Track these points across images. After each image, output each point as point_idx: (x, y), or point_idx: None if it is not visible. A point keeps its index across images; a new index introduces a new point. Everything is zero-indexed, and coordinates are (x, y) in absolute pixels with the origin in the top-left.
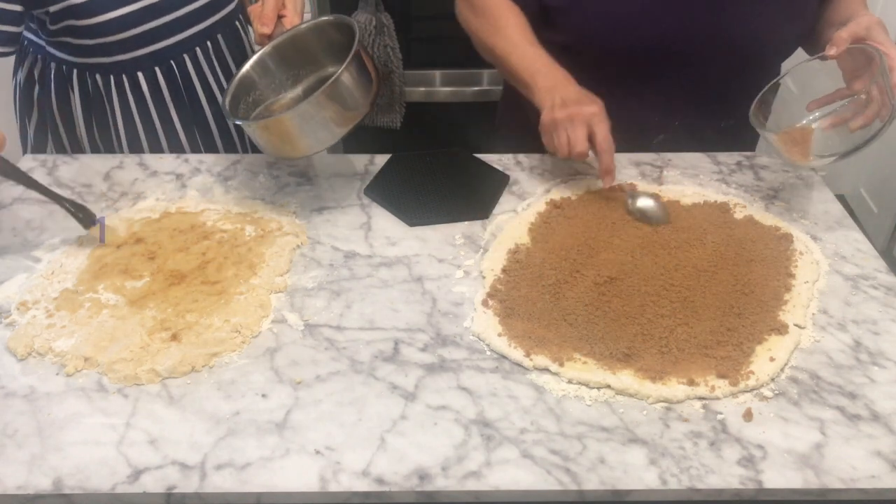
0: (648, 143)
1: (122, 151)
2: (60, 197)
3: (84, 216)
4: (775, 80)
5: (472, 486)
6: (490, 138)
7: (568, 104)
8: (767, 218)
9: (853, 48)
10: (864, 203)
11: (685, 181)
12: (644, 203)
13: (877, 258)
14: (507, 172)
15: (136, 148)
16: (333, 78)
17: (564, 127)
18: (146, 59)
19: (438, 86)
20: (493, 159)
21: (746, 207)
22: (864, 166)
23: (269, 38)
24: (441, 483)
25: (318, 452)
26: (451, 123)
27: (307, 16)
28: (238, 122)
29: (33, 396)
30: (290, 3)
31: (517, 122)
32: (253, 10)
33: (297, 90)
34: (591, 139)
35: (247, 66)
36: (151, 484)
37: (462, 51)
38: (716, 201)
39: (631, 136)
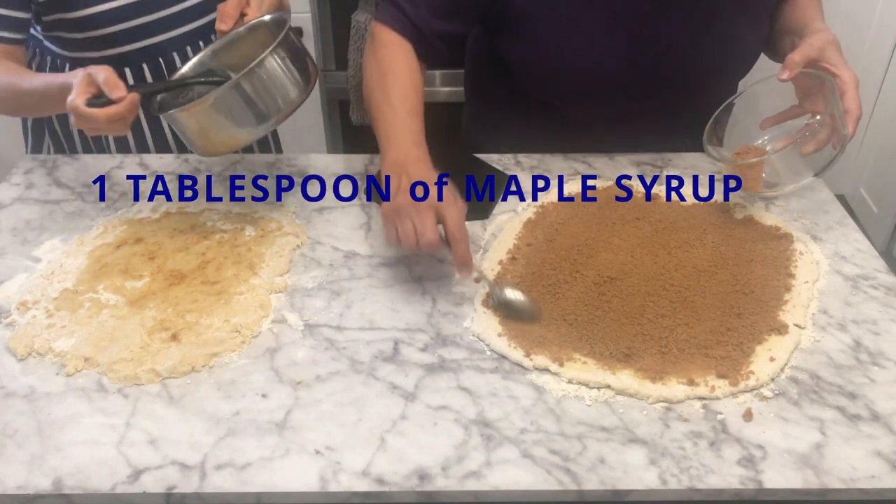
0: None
1: (109, 151)
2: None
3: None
4: (727, 102)
5: (472, 486)
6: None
7: (401, 190)
8: (767, 218)
9: (805, 71)
10: (864, 203)
11: (685, 181)
12: (511, 295)
13: (877, 258)
14: (507, 172)
15: (123, 146)
16: (254, 63)
17: (408, 214)
18: (135, 54)
19: (438, 86)
20: (493, 159)
21: (746, 207)
22: (864, 166)
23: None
24: (441, 483)
25: (318, 452)
26: (451, 123)
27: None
28: (160, 114)
29: (33, 396)
30: (254, 1)
31: (485, 118)
32: (220, 6)
33: None
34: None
35: (184, 69)
36: (151, 484)
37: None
38: (716, 201)
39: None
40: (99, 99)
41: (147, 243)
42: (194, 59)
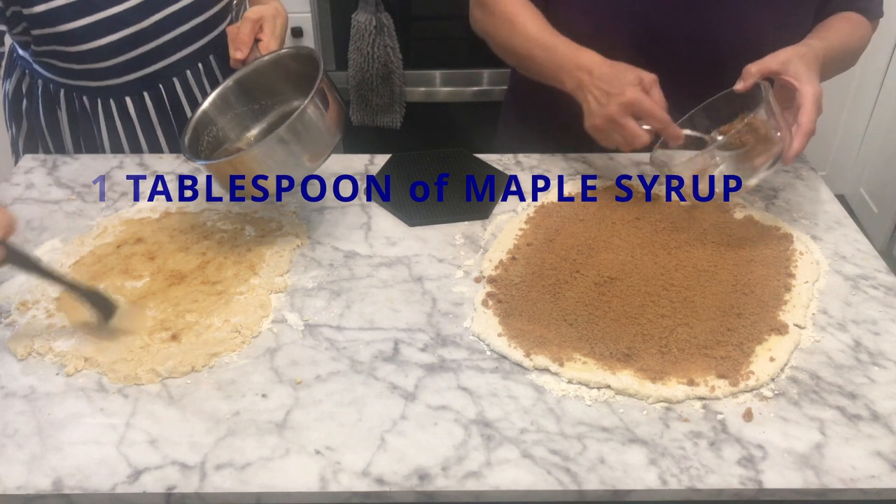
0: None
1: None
2: (78, 287)
3: (104, 307)
4: (688, 115)
5: (472, 486)
6: (490, 138)
7: (602, 101)
8: (767, 218)
9: (762, 82)
10: (864, 203)
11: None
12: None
13: (877, 258)
14: (507, 172)
15: (116, 148)
16: (297, 112)
17: (612, 129)
18: (135, 83)
19: (438, 86)
20: (493, 159)
21: (746, 207)
22: (864, 166)
23: (244, 62)
24: (441, 483)
25: (318, 452)
26: (451, 123)
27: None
28: (200, 164)
29: (33, 396)
30: (268, 26)
31: (521, 123)
32: (230, 30)
33: (262, 124)
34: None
35: (206, 104)
36: (151, 484)
37: (462, 51)
38: (716, 201)
39: None
40: None
41: (147, 243)
42: (217, 92)
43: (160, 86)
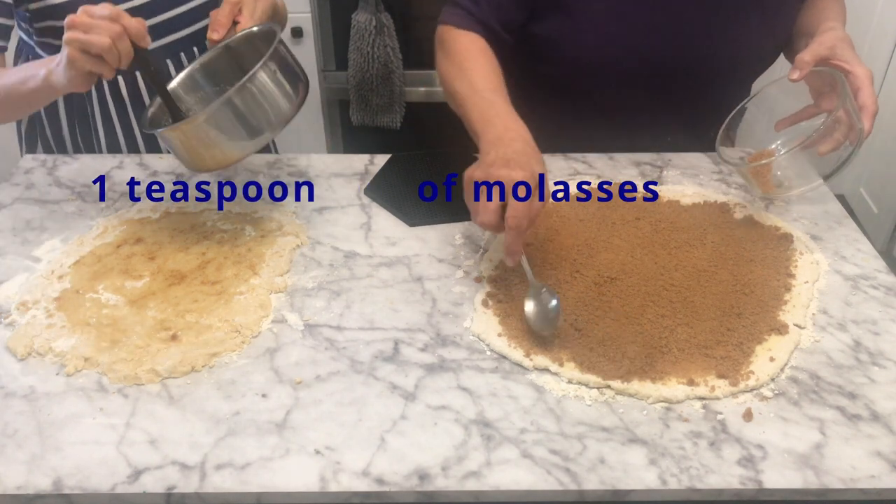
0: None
1: (101, 152)
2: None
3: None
4: (740, 106)
5: (472, 486)
6: None
7: (496, 163)
8: (767, 218)
9: (816, 69)
10: (864, 203)
11: (685, 181)
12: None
13: (877, 258)
14: None
15: (114, 146)
16: (246, 77)
17: (479, 186)
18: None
19: (438, 86)
20: None
21: (746, 207)
22: (864, 166)
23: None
24: (441, 483)
25: (318, 452)
26: (451, 123)
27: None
28: (154, 132)
29: (33, 396)
30: (247, 9)
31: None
32: (212, 13)
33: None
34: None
35: (173, 84)
36: (151, 484)
37: None
38: (716, 201)
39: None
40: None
41: (147, 243)
42: (184, 73)
43: (153, 67)
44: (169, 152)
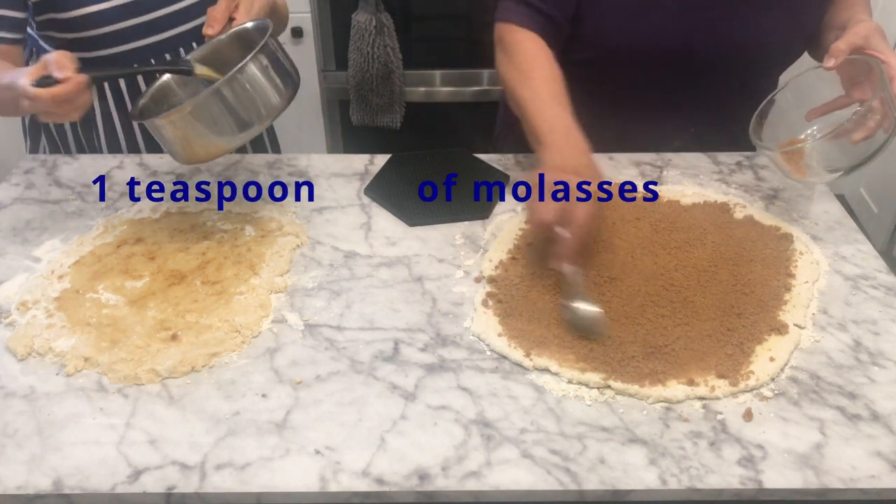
0: (666, 150)
1: (101, 151)
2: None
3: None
4: (773, 94)
5: (472, 486)
6: (490, 138)
7: (565, 168)
8: (767, 218)
9: (851, 58)
10: (864, 203)
11: (685, 181)
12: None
13: (877, 258)
14: (507, 172)
15: (114, 148)
16: (233, 70)
17: (541, 190)
18: (126, 56)
19: (438, 86)
20: (493, 159)
21: (746, 207)
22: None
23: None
24: (441, 483)
25: (318, 452)
26: (451, 123)
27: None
28: (141, 123)
29: (33, 396)
30: (243, 5)
31: (520, 124)
32: (209, 9)
33: None
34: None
35: (165, 76)
36: (151, 484)
37: (462, 51)
38: (716, 201)
39: (646, 144)
40: (47, 79)
41: (147, 243)
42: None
43: (152, 61)
44: (152, 152)
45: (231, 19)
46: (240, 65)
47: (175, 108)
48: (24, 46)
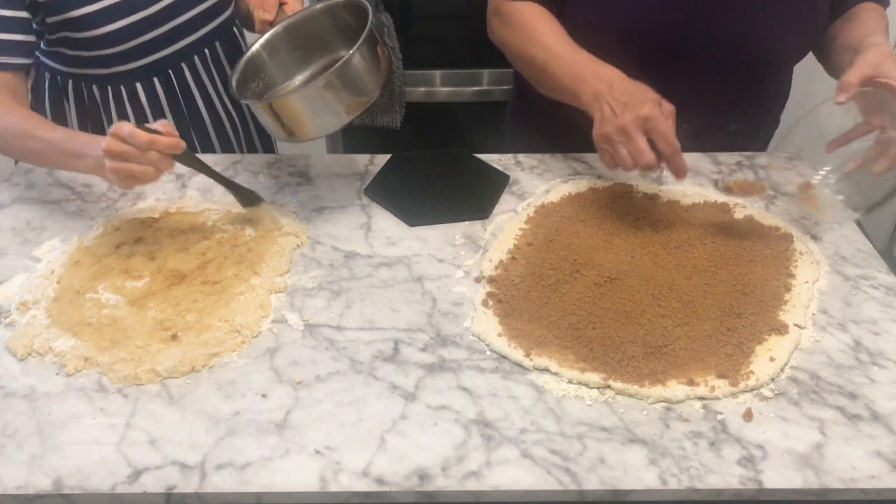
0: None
1: None
2: (229, 181)
3: (249, 198)
4: (789, 128)
5: (472, 486)
6: (490, 138)
7: (617, 111)
8: (767, 218)
9: (863, 90)
10: None
11: (685, 181)
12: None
13: (877, 258)
14: (507, 172)
15: None
16: (343, 60)
17: (620, 140)
18: (144, 69)
19: (438, 86)
20: (493, 159)
21: (746, 207)
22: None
23: (271, 25)
24: (441, 483)
25: (318, 452)
26: (451, 123)
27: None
28: (247, 102)
29: (33, 396)
30: None
31: (527, 129)
32: None
33: (306, 73)
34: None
35: (256, 46)
36: (151, 484)
37: (462, 51)
38: (716, 201)
39: None
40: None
41: (147, 243)
42: (264, 38)
43: (169, 71)
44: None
45: (282, 3)
46: (346, 56)
47: (281, 96)
48: (27, 74)
